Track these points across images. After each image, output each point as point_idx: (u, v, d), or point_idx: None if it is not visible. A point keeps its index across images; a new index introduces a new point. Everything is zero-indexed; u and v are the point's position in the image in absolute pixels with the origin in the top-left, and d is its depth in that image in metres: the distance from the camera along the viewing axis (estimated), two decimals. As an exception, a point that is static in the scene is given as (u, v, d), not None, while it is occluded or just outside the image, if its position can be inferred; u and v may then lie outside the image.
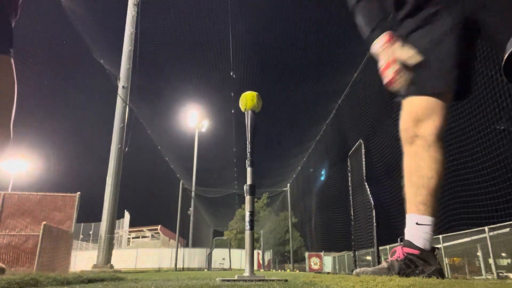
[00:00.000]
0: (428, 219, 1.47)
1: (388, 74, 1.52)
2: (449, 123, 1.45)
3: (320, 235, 19.23)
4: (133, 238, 40.24)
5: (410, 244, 1.49)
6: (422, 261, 1.46)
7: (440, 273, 1.46)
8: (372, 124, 10.16)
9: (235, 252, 22.87)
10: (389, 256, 1.56)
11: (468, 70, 1.51)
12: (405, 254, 1.48)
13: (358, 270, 1.61)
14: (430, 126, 1.50)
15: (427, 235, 1.47)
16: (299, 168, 22.35)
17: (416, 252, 1.47)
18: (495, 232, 7.64)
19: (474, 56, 1.55)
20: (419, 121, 1.52)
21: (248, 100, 2.17)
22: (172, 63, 13.18)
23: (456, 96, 1.53)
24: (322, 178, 18.03)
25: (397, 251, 1.52)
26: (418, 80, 1.51)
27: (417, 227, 1.48)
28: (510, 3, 1.35)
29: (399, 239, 1.57)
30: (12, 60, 1.68)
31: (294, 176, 23.77)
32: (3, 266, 2.11)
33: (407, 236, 1.53)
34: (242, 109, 2.21)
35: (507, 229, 7.23)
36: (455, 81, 1.45)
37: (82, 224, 32.64)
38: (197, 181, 23.13)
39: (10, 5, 1.71)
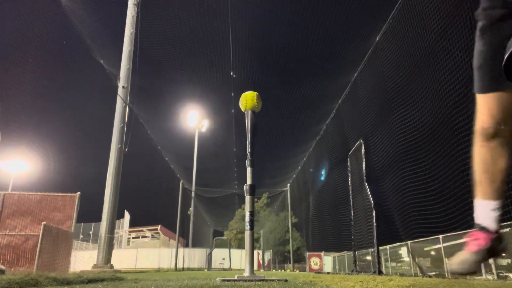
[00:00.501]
0: (498, 203, 1.55)
1: None
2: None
3: (320, 235, 19.23)
4: (133, 238, 40.25)
5: (486, 229, 1.56)
6: (499, 243, 1.54)
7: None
8: (372, 124, 10.16)
9: (235, 252, 22.88)
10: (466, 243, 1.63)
11: None
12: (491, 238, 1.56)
13: (452, 263, 1.67)
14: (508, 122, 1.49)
15: (498, 218, 1.56)
16: (299, 168, 22.35)
17: (494, 235, 1.55)
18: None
19: None
20: (503, 118, 1.49)
21: (248, 100, 2.17)
22: (172, 63, 13.18)
23: None
24: (322, 178, 18.04)
25: (479, 238, 1.59)
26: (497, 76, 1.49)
27: (490, 212, 1.56)
28: None
29: (475, 225, 1.67)
30: None
31: (294, 176, 23.77)
32: (3, 267, 2.12)
33: (481, 221, 1.60)
34: (242, 109, 2.21)
35: (507, 229, 7.23)
36: None
37: (82, 224, 32.62)
38: (197, 181, 23.14)
39: None
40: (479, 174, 1.61)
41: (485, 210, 1.60)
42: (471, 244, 1.60)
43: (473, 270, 1.58)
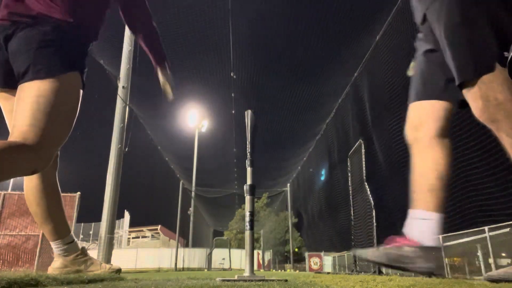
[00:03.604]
0: (432, 215, 1.51)
1: None
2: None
3: (320, 235, 19.22)
4: (133, 238, 40.23)
5: (410, 237, 1.52)
6: (419, 256, 1.48)
7: (435, 272, 1.49)
8: (372, 124, 10.16)
9: (235, 252, 22.87)
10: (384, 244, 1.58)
11: None
12: (405, 245, 1.50)
13: (362, 251, 1.64)
14: (427, 129, 1.60)
15: (431, 230, 1.50)
16: (299, 168, 22.35)
17: (416, 244, 1.49)
18: (495, 232, 7.64)
19: None
20: (417, 125, 1.63)
21: None
22: (173, 63, 13.17)
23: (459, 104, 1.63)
24: (322, 178, 18.03)
25: (397, 241, 1.54)
26: (412, 88, 1.69)
27: (421, 222, 1.51)
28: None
29: (403, 231, 1.60)
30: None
31: (294, 176, 23.77)
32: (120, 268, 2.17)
33: (409, 231, 1.55)
34: None
35: (507, 229, 7.23)
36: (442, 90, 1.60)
37: (82, 224, 32.59)
38: (197, 181, 23.13)
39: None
40: (412, 180, 1.62)
41: (412, 219, 1.55)
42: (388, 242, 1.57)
43: (381, 261, 1.52)
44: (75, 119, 1.61)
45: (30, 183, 1.85)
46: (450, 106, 1.61)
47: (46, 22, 1.51)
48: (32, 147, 1.33)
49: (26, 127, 1.35)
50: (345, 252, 15.93)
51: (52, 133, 1.40)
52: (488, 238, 7.72)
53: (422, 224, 1.51)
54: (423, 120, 1.62)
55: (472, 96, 1.37)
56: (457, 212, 6.66)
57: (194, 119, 23.87)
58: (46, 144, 1.38)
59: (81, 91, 1.64)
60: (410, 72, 1.75)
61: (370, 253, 1.58)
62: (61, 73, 1.47)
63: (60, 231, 1.93)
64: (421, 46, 1.68)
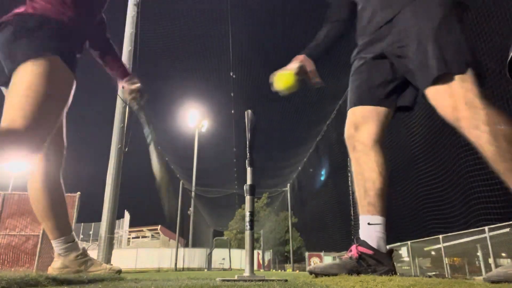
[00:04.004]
0: (378, 219, 1.58)
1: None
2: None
3: (320, 235, 19.23)
4: (133, 238, 40.23)
5: (364, 244, 1.58)
6: (374, 261, 1.55)
7: (392, 274, 1.53)
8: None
9: (235, 252, 22.87)
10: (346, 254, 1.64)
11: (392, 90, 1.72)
12: (359, 253, 1.57)
13: (311, 266, 1.70)
14: (367, 132, 1.67)
15: (380, 234, 1.57)
16: (299, 168, 22.34)
17: (369, 252, 1.56)
18: (495, 232, 7.64)
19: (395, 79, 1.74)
20: (357, 128, 1.71)
21: (289, 78, 2.01)
22: (172, 63, 13.17)
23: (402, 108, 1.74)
24: (323, 178, 18.03)
25: (352, 250, 1.61)
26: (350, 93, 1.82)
27: (369, 227, 1.58)
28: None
29: (355, 239, 1.66)
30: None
31: (294, 176, 23.76)
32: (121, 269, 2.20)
33: (362, 236, 1.61)
34: (282, 88, 2.09)
35: (507, 229, 7.23)
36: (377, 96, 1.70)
37: (82, 224, 32.56)
38: (197, 181, 23.13)
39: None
40: (356, 188, 1.67)
41: (363, 226, 1.60)
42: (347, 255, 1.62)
43: (329, 272, 1.57)
44: (65, 106, 1.67)
45: (33, 179, 1.87)
46: (390, 114, 1.70)
47: (21, 16, 1.61)
48: (18, 130, 1.41)
49: (12, 111, 1.45)
50: (345, 252, 15.94)
51: (35, 115, 1.46)
52: (488, 238, 7.72)
53: (374, 229, 1.57)
54: (366, 121, 1.68)
55: (448, 91, 1.41)
56: (457, 212, 6.66)
57: (194, 119, 23.87)
58: (31, 126, 1.44)
59: (71, 80, 1.69)
60: None
61: (328, 266, 1.63)
62: (34, 57, 1.53)
63: (61, 229, 1.94)
64: (369, 51, 1.74)
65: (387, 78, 1.69)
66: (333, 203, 15.19)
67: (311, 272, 1.66)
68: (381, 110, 1.70)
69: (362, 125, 1.70)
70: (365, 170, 1.63)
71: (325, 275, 1.59)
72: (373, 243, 1.57)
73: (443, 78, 1.42)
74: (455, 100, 1.39)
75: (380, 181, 1.60)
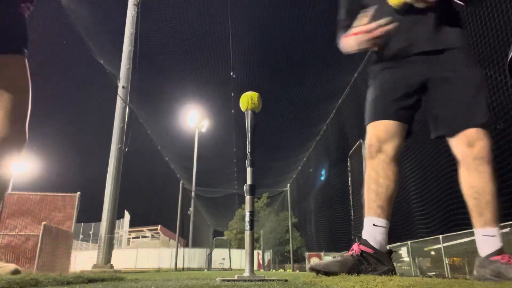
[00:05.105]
0: (384, 222, 1.67)
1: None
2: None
3: (320, 235, 19.23)
4: (133, 238, 40.24)
5: (366, 243, 1.64)
6: (375, 260, 1.61)
7: (392, 273, 1.58)
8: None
9: (235, 252, 22.85)
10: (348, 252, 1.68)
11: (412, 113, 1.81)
12: (360, 251, 1.62)
13: (313, 263, 1.71)
14: (393, 145, 1.74)
15: (383, 236, 1.66)
16: (299, 168, 22.34)
17: (370, 251, 1.61)
18: (495, 232, 7.62)
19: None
20: (383, 140, 1.76)
21: (248, 100, 2.16)
22: (172, 63, 13.17)
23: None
24: (322, 178, 18.04)
25: (354, 248, 1.66)
26: (371, 108, 1.84)
27: (374, 228, 1.66)
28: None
29: (357, 238, 1.71)
30: (26, 61, 1.65)
31: (294, 176, 23.77)
32: (18, 267, 2.07)
33: (364, 236, 1.68)
34: (243, 109, 2.20)
35: (507, 229, 7.23)
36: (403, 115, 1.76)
37: (82, 224, 32.58)
38: (197, 181, 23.13)
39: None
40: (366, 191, 1.75)
41: (368, 226, 1.68)
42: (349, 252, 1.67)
43: (330, 270, 1.60)
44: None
45: None
46: (406, 132, 1.80)
47: None
48: None
49: None
50: (345, 252, 15.94)
51: None
52: (488, 238, 7.71)
53: (378, 231, 1.65)
54: (391, 136, 1.75)
55: (482, 136, 1.60)
56: (457, 212, 6.66)
57: (194, 119, 23.86)
58: None
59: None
60: None
61: (330, 263, 1.67)
62: None
63: None
64: (404, 70, 1.78)
65: (409, 91, 1.77)
66: (333, 202, 15.19)
67: (312, 269, 1.68)
68: (404, 127, 1.79)
69: (391, 137, 1.76)
70: (381, 177, 1.72)
71: (326, 272, 1.60)
72: (374, 243, 1.63)
73: (480, 126, 1.60)
74: (479, 152, 1.59)
75: (392, 189, 1.71)
